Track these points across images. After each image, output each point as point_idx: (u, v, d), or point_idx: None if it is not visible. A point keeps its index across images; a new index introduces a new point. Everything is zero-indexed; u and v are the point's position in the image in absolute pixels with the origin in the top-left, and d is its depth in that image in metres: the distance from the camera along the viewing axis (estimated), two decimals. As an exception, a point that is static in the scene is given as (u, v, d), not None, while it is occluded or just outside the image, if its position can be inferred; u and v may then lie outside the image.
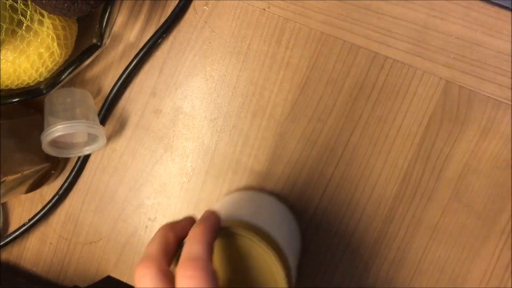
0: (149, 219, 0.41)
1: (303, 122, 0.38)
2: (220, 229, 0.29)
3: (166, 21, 0.38)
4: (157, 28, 0.38)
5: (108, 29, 0.36)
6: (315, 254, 0.39)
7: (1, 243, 0.42)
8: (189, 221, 0.31)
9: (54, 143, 0.37)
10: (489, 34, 0.35)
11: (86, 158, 0.42)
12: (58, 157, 0.40)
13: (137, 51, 0.39)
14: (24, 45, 0.33)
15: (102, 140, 0.38)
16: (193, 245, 0.27)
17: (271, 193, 0.40)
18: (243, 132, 0.39)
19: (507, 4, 0.34)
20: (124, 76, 0.39)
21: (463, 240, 0.37)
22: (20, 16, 0.32)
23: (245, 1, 0.38)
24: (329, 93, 0.37)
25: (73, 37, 0.37)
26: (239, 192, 0.39)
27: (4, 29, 0.31)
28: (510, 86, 0.35)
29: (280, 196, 0.39)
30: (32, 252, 0.44)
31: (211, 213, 0.30)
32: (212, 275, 0.26)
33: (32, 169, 0.38)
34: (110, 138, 0.41)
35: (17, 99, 0.36)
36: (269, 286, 0.29)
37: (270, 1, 0.37)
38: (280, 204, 0.38)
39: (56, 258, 0.44)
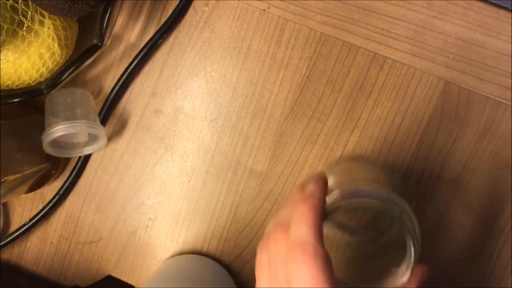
0: (150, 219, 0.42)
1: (303, 122, 0.38)
2: None
3: (166, 21, 0.38)
4: (157, 29, 0.38)
5: (108, 30, 0.36)
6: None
7: (2, 243, 0.42)
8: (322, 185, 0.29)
9: (55, 143, 0.37)
10: (488, 35, 0.35)
11: (87, 158, 0.42)
12: (58, 157, 0.40)
13: (137, 51, 0.39)
14: (25, 46, 0.34)
15: (102, 140, 0.38)
16: (300, 228, 0.26)
17: (207, 255, 0.41)
18: (243, 132, 0.39)
19: (506, 5, 0.35)
20: (124, 76, 0.39)
21: (462, 239, 0.37)
22: (21, 16, 0.32)
23: (245, 1, 0.38)
24: (328, 93, 0.37)
25: (73, 38, 0.37)
26: (172, 260, 0.41)
27: (5, 29, 0.31)
28: (509, 86, 0.35)
29: (215, 258, 0.41)
30: (32, 252, 0.44)
31: (314, 188, 0.28)
32: (324, 259, 0.25)
33: (33, 169, 0.38)
34: (110, 138, 0.41)
35: (18, 99, 0.36)
36: None
37: (270, 2, 0.37)
38: (215, 265, 0.40)
39: (57, 257, 0.44)
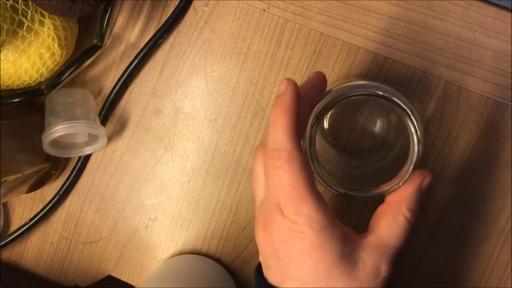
0: (150, 219, 0.42)
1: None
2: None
3: (166, 21, 0.38)
4: (157, 29, 0.38)
5: (108, 30, 0.36)
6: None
7: (2, 243, 0.42)
8: (319, 81, 0.29)
9: (55, 143, 0.37)
10: (488, 35, 0.35)
11: (87, 158, 0.42)
12: (58, 157, 0.40)
13: (137, 51, 0.39)
14: (25, 46, 0.34)
15: (102, 140, 0.38)
16: (273, 133, 0.25)
17: (207, 255, 0.41)
18: (243, 132, 0.39)
19: (506, 5, 0.35)
20: (124, 76, 0.39)
21: (462, 239, 0.37)
22: (21, 16, 0.32)
23: (245, 1, 0.38)
24: (328, 93, 0.37)
25: (73, 38, 0.37)
26: (172, 260, 0.41)
27: (5, 29, 0.32)
28: (509, 86, 0.35)
29: (215, 258, 0.41)
30: (32, 252, 0.44)
31: (283, 90, 0.26)
32: (299, 162, 0.24)
33: (33, 169, 0.38)
34: (110, 138, 0.41)
35: (18, 99, 0.36)
36: None
37: (270, 2, 0.37)
38: (215, 265, 0.40)
39: (57, 257, 0.44)
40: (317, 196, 0.25)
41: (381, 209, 0.28)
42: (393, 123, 0.34)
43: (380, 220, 0.27)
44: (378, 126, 0.36)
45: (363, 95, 0.26)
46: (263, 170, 0.27)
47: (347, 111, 0.37)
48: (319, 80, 0.29)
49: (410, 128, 0.26)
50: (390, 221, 0.27)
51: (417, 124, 0.26)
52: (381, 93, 0.26)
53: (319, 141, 0.28)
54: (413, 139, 0.26)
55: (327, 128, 0.37)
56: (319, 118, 0.26)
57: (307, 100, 0.28)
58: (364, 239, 0.27)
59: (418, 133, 0.26)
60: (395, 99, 0.26)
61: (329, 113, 0.26)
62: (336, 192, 0.27)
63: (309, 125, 0.26)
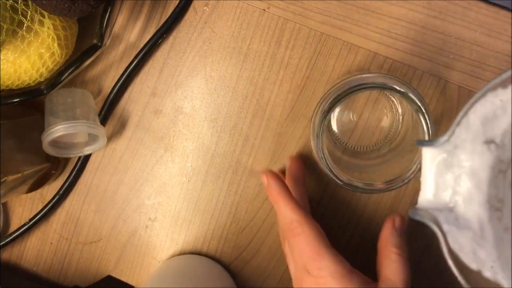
0: (149, 219, 0.42)
1: (303, 122, 0.38)
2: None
3: (166, 21, 0.38)
4: (157, 29, 0.38)
5: (108, 30, 0.36)
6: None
7: (2, 243, 0.42)
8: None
9: (55, 143, 0.37)
10: (488, 35, 0.35)
11: (87, 158, 0.42)
12: (58, 157, 0.40)
13: (137, 51, 0.39)
14: (25, 46, 0.34)
15: (102, 140, 0.38)
16: (279, 213, 0.32)
17: (207, 255, 0.41)
18: (243, 132, 0.39)
19: (506, 5, 0.35)
20: (124, 76, 0.39)
21: (462, 240, 0.37)
22: (20, 16, 0.32)
23: (245, 1, 0.38)
24: (328, 93, 0.37)
25: (73, 38, 0.37)
26: (172, 260, 0.41)
27: (4, 29, 0.31)
28: (509, 86, 0.35)
29: (215, 258, 0.41)
30: (32, 252, 0.44)
31: (269, 184, 0.33)
32: (310, 227, 0.30)
33: (33, 169, 0.38)
34: (110, 138, 0.41)
35: (18, 99, 0.36)
36: None
37: (270, 2, 0.37)
38: (215, 265, 0.40)
39: (57, 258, 0.44)
40: (332, 251, 0.30)
41: (378, 257, 0.32)
42: (400, 119, 0.34)
43: (381, 265, 0.31)
44: (384, 121, 0.36)
45: (377, 87, 0.26)
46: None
47: (353, 105, 0.37)
48: (299, 168, 0.36)
49: (422, 126, 0.26)
50: (388, 262, 0.30)
51: (429, 121, 0.26)
52: (397, 87, 0.26)
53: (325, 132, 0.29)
54: (424, 137, 0.26)
55: (333, 121, 0.37)
56: (329, 111, 0.27)
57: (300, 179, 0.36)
58: (378, 283, 0.31)
59: (430, 131, 0.26)
60: (410, 94, 0.26)
61: (336, 106, 0.27)
62: (340, 182, 0.28)
63: (320, 114, 0.27)
